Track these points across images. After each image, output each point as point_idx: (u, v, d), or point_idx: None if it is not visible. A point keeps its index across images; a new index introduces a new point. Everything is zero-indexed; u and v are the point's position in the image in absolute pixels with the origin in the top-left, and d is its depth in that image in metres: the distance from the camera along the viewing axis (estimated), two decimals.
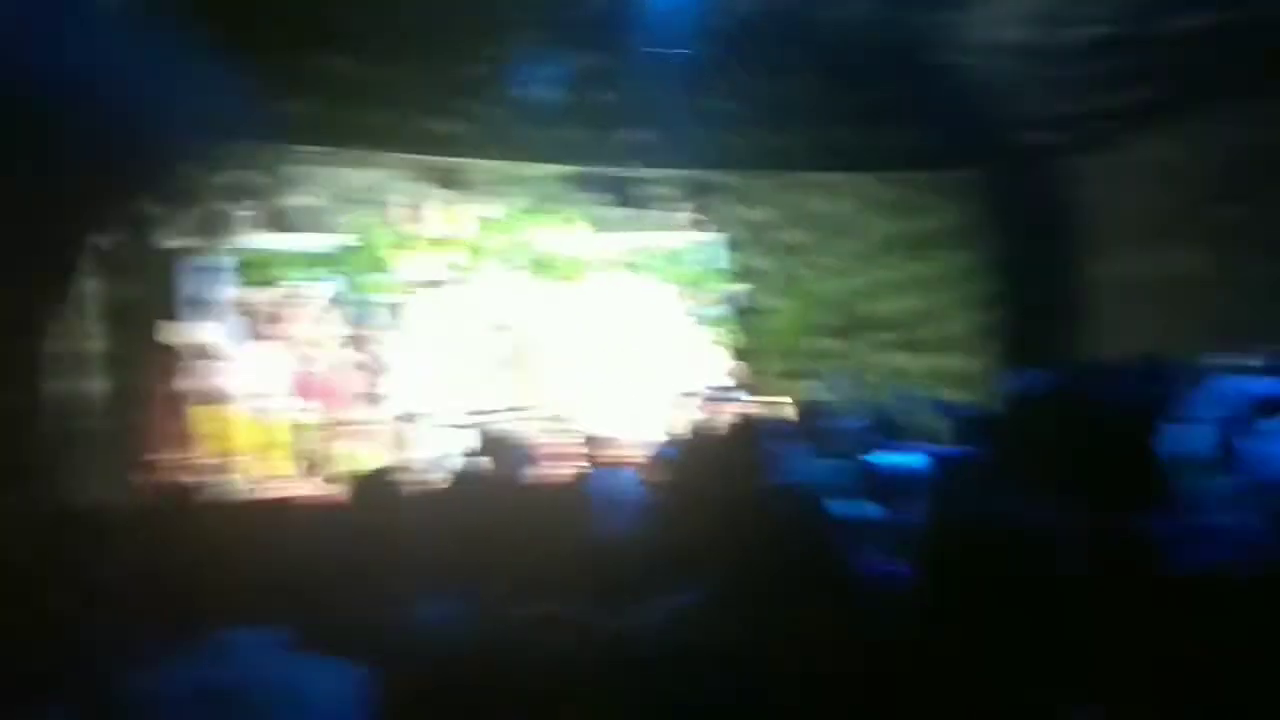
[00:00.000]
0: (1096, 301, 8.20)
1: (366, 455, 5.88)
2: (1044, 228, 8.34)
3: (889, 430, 3.63)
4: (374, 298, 6.32)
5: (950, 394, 4.99)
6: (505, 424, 6.03)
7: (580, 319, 6.94)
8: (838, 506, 2.53)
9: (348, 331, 6.26)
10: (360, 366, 6.25)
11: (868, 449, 3.47)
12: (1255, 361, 5.30)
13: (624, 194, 7.24)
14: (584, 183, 7.09)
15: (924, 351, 8.03)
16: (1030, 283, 8.24)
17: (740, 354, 7.34)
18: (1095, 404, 3.31)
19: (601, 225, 7.06)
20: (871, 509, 2.75)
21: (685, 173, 7.45)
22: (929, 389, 5.89)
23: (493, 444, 4.01)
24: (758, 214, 7.81)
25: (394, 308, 6.39)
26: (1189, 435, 2.72)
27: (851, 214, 8.15)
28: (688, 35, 5.55)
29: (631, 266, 7.14)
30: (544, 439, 5.73)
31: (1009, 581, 1.13)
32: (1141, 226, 7.70)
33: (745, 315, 7.48)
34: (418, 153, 6.45)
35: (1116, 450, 1.74)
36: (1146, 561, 1.42)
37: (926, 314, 8.24)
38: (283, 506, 4.48)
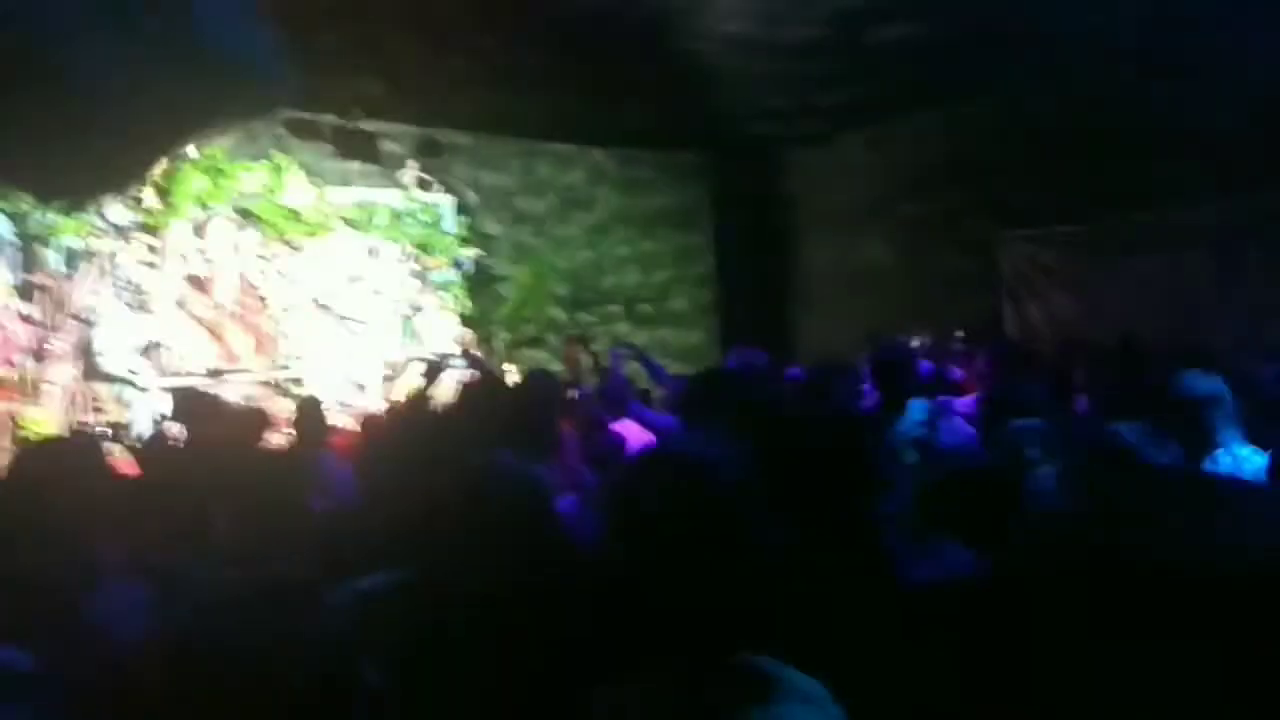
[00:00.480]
0: (804, 285, 8.89)
1: (38, 417, 5.20)
2: (760, 214, 8.90)
3: (615, 397, 3.70)
4: (50, 240, 5.54)
5: (673, 367, 5.17)
6: (208, 387, 5.55)
7: (299, 274, 6.49)
8: (556, 471, 2.56)
9: (15, 277, 5.45)
10: (30, 318, 5.47)
11: (594, 415, 3.55)
12: (934, 344, 5.97)
13: (348, 145, 6.82)
14: (301, 129, 6.60)
15: (650, 325, 8.31)
16: (746, 264, 8.77)
17: (469, 320, 7.19)
18: (792, 389, 3.58)
19: (322, 176, 6.63)
20: (590, 472, 2.82)
21: (415, 129, 7.17)
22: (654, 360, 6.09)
23: (193, 407, 3.68)
24: (492, 179, 7.70)
25: (76, 253, 5.64)
26: (886, 416, 3.00)
27: (585, 187, 8.24)
28: None
29: (355, 222, 6.76)
30: (253, 402, 5.34)
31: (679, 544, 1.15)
32: (845, 218, 8.42)
33: (476, 281, 7.34)
34: None
35: (805, 430, 1.84)
36: (836, 541, 1.52)
37: (653, 289, 8.53)
38: None
